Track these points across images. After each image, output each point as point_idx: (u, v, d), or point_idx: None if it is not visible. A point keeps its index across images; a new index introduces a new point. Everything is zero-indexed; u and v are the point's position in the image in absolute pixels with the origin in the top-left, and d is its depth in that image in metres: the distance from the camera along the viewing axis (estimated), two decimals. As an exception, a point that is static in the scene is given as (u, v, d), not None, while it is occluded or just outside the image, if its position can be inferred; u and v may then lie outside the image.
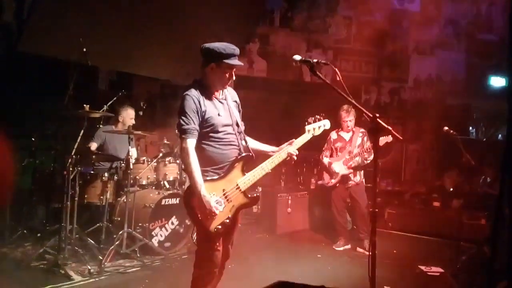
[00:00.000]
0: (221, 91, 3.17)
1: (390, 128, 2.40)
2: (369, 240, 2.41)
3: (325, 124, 3.38)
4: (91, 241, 4.89)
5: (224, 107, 3.15)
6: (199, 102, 3.00)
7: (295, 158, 3.19)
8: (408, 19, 9.23)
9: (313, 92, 7.02)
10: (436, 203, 7.65)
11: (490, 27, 9.24)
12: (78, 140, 4.87)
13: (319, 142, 6.16)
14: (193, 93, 3.03)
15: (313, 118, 3.32)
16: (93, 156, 5.32)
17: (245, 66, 8.74)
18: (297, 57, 2.78)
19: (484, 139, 9.30)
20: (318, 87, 7.14)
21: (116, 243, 4.81)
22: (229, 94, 3.24)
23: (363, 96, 9.36)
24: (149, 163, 5.52)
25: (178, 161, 5.79)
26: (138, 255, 4.99)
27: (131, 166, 5.11)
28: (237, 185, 3.06)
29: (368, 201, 5.78)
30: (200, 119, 3.01)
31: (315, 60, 2.69)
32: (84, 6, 5.74)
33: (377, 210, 2.37)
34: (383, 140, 5.44)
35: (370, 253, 2.37)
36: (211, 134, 3.05)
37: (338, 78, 2.54)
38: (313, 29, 9.16)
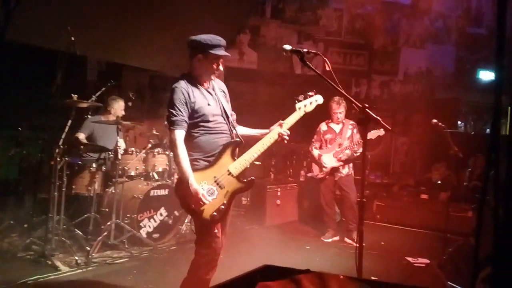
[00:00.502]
0: (209, 82, 3.21)
1: (379, 118, 2.41)
2: (357, 230, 2.41)
3: (318, 99, 3.31)
4: (78, 232, 4.86)
5: (212, 97, 3.18)
6: (188, 93, 3.03)
7: (287, 138, 3.15)
8: (398, 12, 9.24)
9: (303, 84, 7.00)
10: (424, 196, 7.73)
11: (480, 21, 9.29)
12: (66, 130, 4.81)
13: (309, 135, 6.19)
14: (182, 85, 3.06)
15: (303, 95, 3.26)
16: (81, 147, 5.28)
17: (236, 57, 8.71)
18: (287, 47, 2.79)
19: (472, 133, 9.38)
20: (309, 79, 7.14)
21: (104, 234, 4.79)
22: (216, 85, 3.28)
23: (353, 88, 9.37)
24: (137, 154, 5.49)
25: (167, 152, 5.77)
26: (126, 246, 4.97)
27: (120, 157, 5.08)
28: (228, 170, 3.06)
29: (358, 192, 5.82)
30: (190, 110, 3.04)
31: (305, 50, 2.69)
32: (72, -6, 5.66)
33: (365, 200, 2.37)
34: (375, 133, 5.47)
35: (357, 243, 2.37)
36: (201, 124, 3.08)
37: (328, 68, 2.54)
38: (304, 21, 9.14)
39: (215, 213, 3.00)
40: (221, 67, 3.15)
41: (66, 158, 4.81)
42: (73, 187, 5.08)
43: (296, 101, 3.24)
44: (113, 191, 5.04)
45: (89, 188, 5.11)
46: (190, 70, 3.16)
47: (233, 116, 3.36)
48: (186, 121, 3.02)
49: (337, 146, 5.85)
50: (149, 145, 5.70)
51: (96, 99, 5.61)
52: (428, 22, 9.27)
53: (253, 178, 3.19)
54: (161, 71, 8.13)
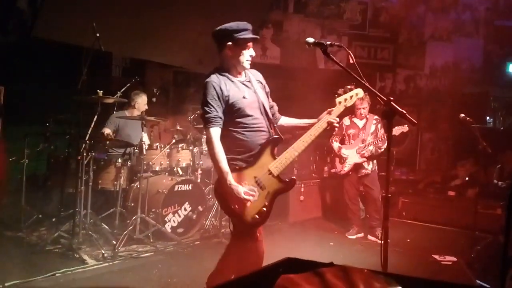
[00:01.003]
0: (243, 73, 3.06)
1: (404, 112, 2.35)
2: (382, 226, 2.36)
3: (358, 92, 3.12)
4: (105, 226, 4.94)
5: (248, 90, 3.01)
6: (221, 87, 2.89)
7: (337, 125, 3.01)
8: (424, 4, 9.04)
9: (327, 79, 6.93)
10: (451, 192, 7.57)
11: (509, 13, 9.01)
12: (92, 125, 4.89)
13: (332, 130, 6.12)
14: (214, 79, 2.92)
15: (342, 89, 3.09)
16: (107, 142, 5.36)
17: (259, 53, 8.68)
18: (310, 40, 2.74)
19: (502, 128, 9.13)
20: (333, 74, 7.06)
21: (130, 228, 4.85)
22: (253, 76, 3.11)
23: (378, 83, 9.22)
24: (162, 149, 5.54)
25: (190, 148, 5.81)
26: (151, 240, 5.03)
27: (144, 152, 5.14)
28: (268, 170, 2.91)
29: (382, 189, 5.73)
30: (224, 105, 2.89)
31: (328, 42, 2.65)
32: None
33: (390, 195, 2.32)
34: (398, 129, 5.38)
35: (382, 240, 2.31)
36: (238, 120, 2.93)
37: (351, 61, 2.50)
38: (327, 14, 9.03)
39: (257, 216, 2.85)
40: (252, 52, 2.98)
41: (93, 153, 4.90)
42: (99, 182, 5.17)
43: (336, 96, 3.08)
44: (138, 186, 5.10)
45: (115, 183, 5.18)
46: (221, 62, 3.02)
47: (273, 108, 3.21)
48: (220, 117, 2.88)
49: (360, 142, 5.77)
50: (173, 141, 5.75)
51: (121, 95, 5.69)
52: (455, 14, 9.05)
53: (294, 177, 3.05)
54: (185, 67, 8.18)
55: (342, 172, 5.93)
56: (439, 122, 9.11)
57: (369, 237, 5.87)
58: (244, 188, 2.79)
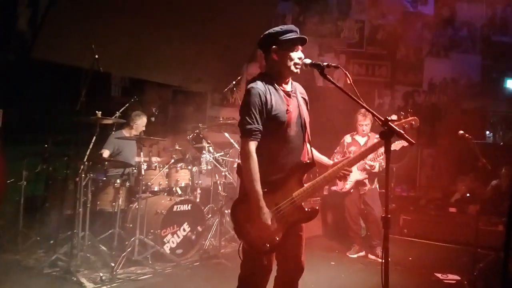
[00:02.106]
0: (290, 83, 2.84)
1: (402, 132, 2.34)
2: (382, 246, 2.33)
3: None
4: (103, 247, 4.89)
5: (293, 102, 2.76)
6: (266, 96, 2.63)
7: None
8: (421, 21, 9.12)
9: (326, 97, 6.94)
10: (452, 209, 7.52)
11: (506, 29, 9.08)
12: (90, 146, 4.88)
13: (332, 147, 6.10)
14: (259, 86, 2.66)
15: (396, 115, 2.79)
16: (106, 163, 5.34)
17: (257, 71, 8.72)
18: (307, 61, 2.73)
19: (501, 143, 9.11)
20: (331, 91, 7.05)
21: (128, 250, 4.80)
22: (298, 89, 2.89)
23: (376, 100, 9.23)
24: (160, 169, 5.51)
25: (189, 167, 5.78)
26: (150, 262, 4.97)
27: (143, 173, 5.12)
28: (292, 198, 2.67)
29: (382, 207, 5.69)
30: (265, 116, 2.62)
31: (325, 64, 2.63)
32: (96, 13, 5.78)
33: (389, 216, 2.29)
34: (399, 144, 5.35)
35: (383, 260, 2.27)
36: (276, 135, 2.66)
37: (348, 81, 2.49)
38: (325, 33, 9.10)
39: (268, 245, 2.61)
40: (301, 54, 2.75)
41: (91, 174, 4.88)
42: (98, 203, 5.14)
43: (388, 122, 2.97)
44: (137, 206, 5.07)
45: (113, 203, 5.15)
46: (267, 69, 2.80)
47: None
48: (261, 131, 2.61)
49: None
50: (172, 160, 5.73)
51: (120, 115, 5.69)
52: (452, 31, 9.11)
53: (317, 208, 2.80)
54: (183, 86, 8.21)
55: (343, 190, 5.89)
56: (438, 138, 9.09)
57: (370, 256, 5.81)
58: (270, 215, 2.58)
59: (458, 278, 5.00)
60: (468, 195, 7.39)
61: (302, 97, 2.89)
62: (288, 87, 2.82)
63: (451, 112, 8.90)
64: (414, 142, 2.34)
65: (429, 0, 9.33)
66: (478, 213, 5.77)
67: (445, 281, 4.97)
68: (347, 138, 5.94)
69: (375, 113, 2.45)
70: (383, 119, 2.35)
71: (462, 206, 7.37)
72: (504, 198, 6.25)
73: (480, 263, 4.95)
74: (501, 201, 6.20)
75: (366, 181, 5.79)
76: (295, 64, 2.72)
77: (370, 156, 5.67)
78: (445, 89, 9.23)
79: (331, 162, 2.93)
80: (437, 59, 9.24)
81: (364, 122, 5.73)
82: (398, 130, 2.33)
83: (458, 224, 6.80)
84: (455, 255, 6.01)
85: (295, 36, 2.73)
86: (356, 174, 5.75)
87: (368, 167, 5.64)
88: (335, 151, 5.99)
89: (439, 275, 5.11)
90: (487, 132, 9.36)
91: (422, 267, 5.48)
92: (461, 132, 5.11)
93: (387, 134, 2.33)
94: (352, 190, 5.84)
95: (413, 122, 2.98)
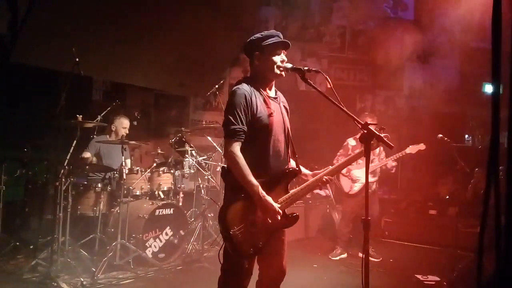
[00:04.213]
0: (274, 90, 2.89)
1: (381, 135, 2.40)
2: (363, 248, 2.37)
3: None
4: (84, 252, 4.83)
5: (276, 108, 2.80)
6: (251, 98, 2.67)
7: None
8: (401, 27, 9.26)
9: (308, 101, 7.01)
10: (432, 211, 7.64)
11: (483, 35, 9.27)
12: (71, 150, 4.83)
13: (313, 151, 6.15)
14: (245, 87, 2.70)
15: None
16: (86, 167, 5.29)
17: (240, 75, 8.74)
18: (288, 65, 2.77)
19: (480, 147, 9.29)
20: (314, 95, 7.12)
21: (109, 254, 4.77)
22: (281, 98, 2.95)
23: (358, 104, 9.35)
24: (142, 173, 5.48)
25: (172, 171, 5.76)
26: (132, 266, 4.94)
27: (125, 177, 5.09)
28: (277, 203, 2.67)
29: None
30: (250, 117, 2.66)
31: (306, 68, 2.67)
32: (77, 16, 5.72)
33: (369, 218, 2.34)
34: (415, 148, 5.45)
35: (364, 262, 2.31)
36: (259, 138, 2.69)
37: (329, 86, 2.53)
38: (307, 38, 9.18)
39: (251, 249, 2.62)
40: (284, 57, 2.79)
41: (71, 179, 4.82)
42: (79, 207, 5.09)
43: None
44: (118, 211, 5.03)
45: (95, 208, 5.11)
46: (252, 73, 2.86)
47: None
48: (245, 131, 2.63)
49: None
50: (154, 164, 5.70)
51: (101, 119, 5.65)
52: (431, 37, 9.28)
53: (297, 214, 2.78)
54: (165, 90, 8.18)
55: (351, 192, 5.90)
56: (419, 141, 9.21)
57: (360, 254, 5.81)
58: (277, 205, 2.59)
59: (438, 279, 5.08)
60: (447, 197, 7.52)
61: (284, 106, 2.94)
62: (272, 93, 2.87)
63: (431, 116, 9.04)
64: (393, 145, 2.41)
65: (409, 6, 9.52)
66: (458, 215, 5.87)
67: (425, 282, 5.05)
68: (351, 141, 5.92)
69: (355, 117, 2.51)
70: (362, 123, 2.41)
71: (442, 208, 7.49)
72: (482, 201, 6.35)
73: (460, 264, 5.04)
74: (479, 203, 6.31)
75: (373, 184, 5.83)
76: (278, 67, 2.77)
77: (376, 160, 5.70)
78: (424, 93, 9.39)
79: (310, 172, 2.94)
80: (417, 64, 9.41)
81: (373, 122, 5.75)
82: (378, 133, 2.39)
83: (438, 226, 6.91)
84: (435, 257, 6.10)
85: (277, 41, 2.78)
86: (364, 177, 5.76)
87: (389, 167, 5.71)
88: (338, 153, 5.95)
89: (419, 276, 5.19)
90: (466, 136, 9.55)
91: (403, 268, 5.56)
92: (440, 135, 5.22)
93: (367, 137, 2.38)
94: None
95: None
